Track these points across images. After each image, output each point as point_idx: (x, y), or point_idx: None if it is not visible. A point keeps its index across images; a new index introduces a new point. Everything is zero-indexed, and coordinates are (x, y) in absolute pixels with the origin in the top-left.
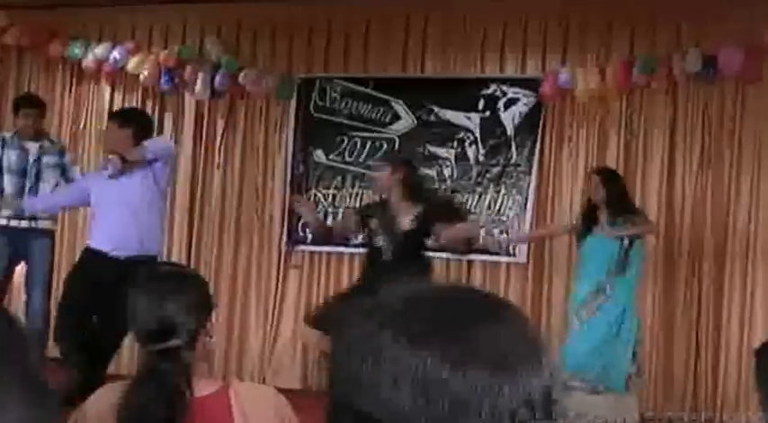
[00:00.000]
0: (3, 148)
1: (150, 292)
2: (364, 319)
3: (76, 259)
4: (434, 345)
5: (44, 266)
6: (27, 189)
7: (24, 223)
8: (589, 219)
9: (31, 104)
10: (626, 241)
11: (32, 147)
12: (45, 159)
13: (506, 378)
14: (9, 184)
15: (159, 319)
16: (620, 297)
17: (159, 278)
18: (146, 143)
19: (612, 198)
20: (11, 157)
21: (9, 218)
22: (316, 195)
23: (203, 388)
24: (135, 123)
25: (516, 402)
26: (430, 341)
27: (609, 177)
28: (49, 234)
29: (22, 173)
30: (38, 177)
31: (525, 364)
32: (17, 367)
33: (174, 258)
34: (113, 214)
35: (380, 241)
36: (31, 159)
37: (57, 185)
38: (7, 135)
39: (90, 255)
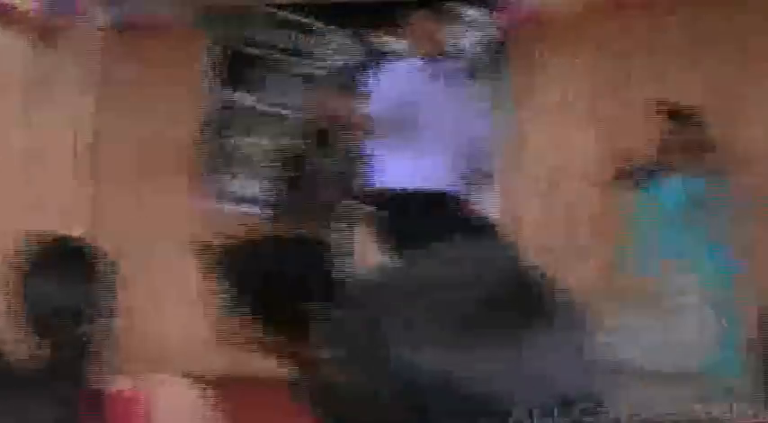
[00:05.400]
0: None
1: (41, 272)
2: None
3: None
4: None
5: None
6: None
7: None
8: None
9: None
10: None
11: None
12: None
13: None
14: None
15: (58, 302)
16: None
17: (47, 256)
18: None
19: None
20: None
21: None
22: (238, 144)
23: (113, 383)
24: None
25: None
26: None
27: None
28: None
29: None
30: None
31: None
32: None
33: (77, 221)
34: None
35: None
36: None
37: None
38: None
39: None
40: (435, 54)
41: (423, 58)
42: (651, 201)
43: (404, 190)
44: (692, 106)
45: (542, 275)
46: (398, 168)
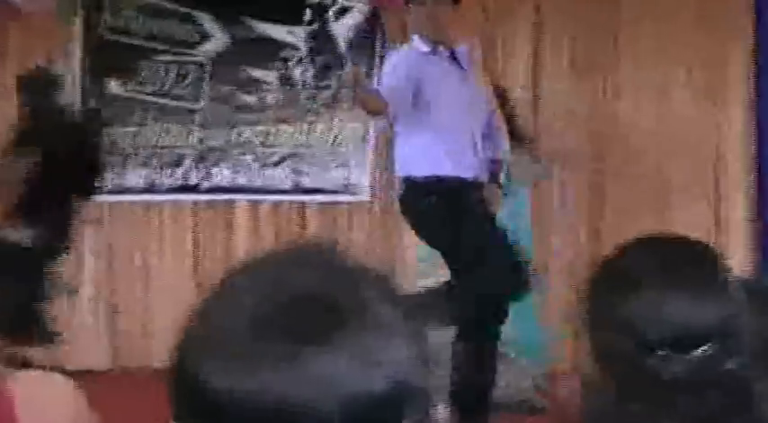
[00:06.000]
0: None
1: None
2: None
3: None
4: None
5: None
6: None
7: None
8: None
9: None
10: None
11: None
12: None
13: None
14: None
15: None
16: None
17: None
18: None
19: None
20: None
21: None
22: (112, 135)
23: None
24: None
25: None
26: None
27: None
28: None
29: None
30: None
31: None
32: None
33: None
34: None
35: None
36: None
37: None
38: None
39: None
40: (437, 38)
41: (427, 43)
42: None
43: (419, 177)
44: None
45: (374, 279)
46: (416, 154)
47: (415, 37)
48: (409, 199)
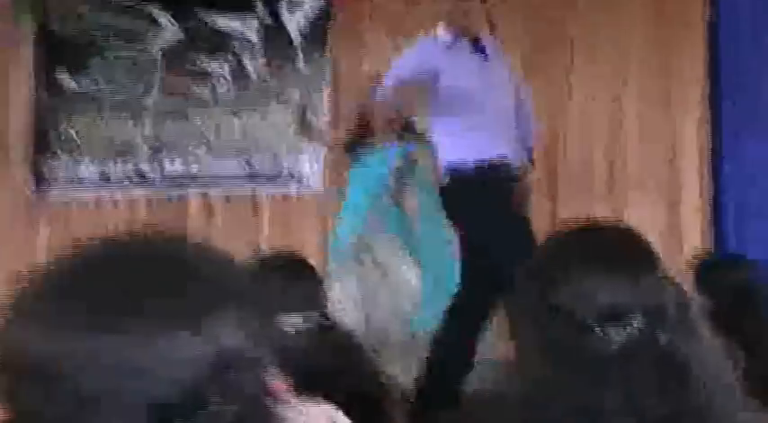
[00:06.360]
0: None
1: None
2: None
3: None
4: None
5: None
6: None
7: None
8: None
9: None
10: None
11: None
12: None
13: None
14: None
15: None
16: None
17: None
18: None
19: None
20: None
21: None
22: (67, 130)
23: None
24: None
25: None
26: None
27: None
28: None
29: None
30: None
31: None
32: None
33: None
34: None
35: None
36: None
37: None
38: None
39: None
40: (461, 26)
41: (452, 35)
42: (359, 175)
43: (466, 163)
44: None
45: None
46: (453, 142)
47: (440, 25)
48: (457, 185)
